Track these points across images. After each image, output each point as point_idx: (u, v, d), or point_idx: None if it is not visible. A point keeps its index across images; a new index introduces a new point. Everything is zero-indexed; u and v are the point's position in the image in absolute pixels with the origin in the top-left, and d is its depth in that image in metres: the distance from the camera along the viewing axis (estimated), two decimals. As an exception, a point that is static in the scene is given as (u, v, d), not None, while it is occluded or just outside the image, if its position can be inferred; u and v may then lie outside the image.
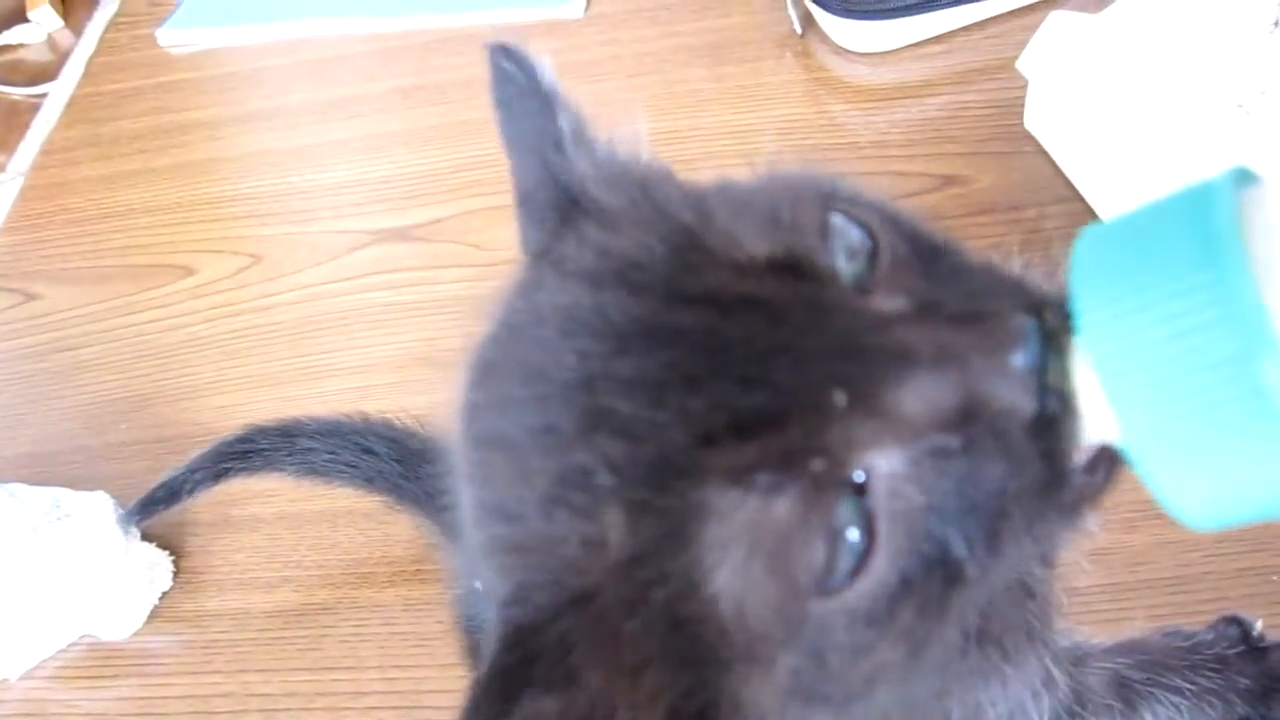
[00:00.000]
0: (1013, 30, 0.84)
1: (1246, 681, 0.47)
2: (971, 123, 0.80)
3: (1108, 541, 0.58)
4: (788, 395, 0.23)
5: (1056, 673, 0.39)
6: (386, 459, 0.60)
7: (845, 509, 0.23)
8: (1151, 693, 0.45)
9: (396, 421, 0.62)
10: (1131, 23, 0.69)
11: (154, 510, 0.63)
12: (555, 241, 0.29)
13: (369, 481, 0.61)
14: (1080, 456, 0.25)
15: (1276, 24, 0.65)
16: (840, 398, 0.23)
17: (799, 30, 0.88)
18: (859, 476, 0.23)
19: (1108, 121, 0.68)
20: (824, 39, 0.87)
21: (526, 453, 0.25)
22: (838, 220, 0.26)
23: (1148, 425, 0.22)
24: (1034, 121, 0.77)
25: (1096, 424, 0.24)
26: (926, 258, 0.26)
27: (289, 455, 0.61)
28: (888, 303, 0.25)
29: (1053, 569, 0.36)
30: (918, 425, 0.23)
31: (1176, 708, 0.45)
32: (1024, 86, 0.77)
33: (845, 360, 0.23)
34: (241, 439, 0.62)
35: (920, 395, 0.23)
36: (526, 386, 0.25)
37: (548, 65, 0.31)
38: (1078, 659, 0.42)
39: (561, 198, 0.29)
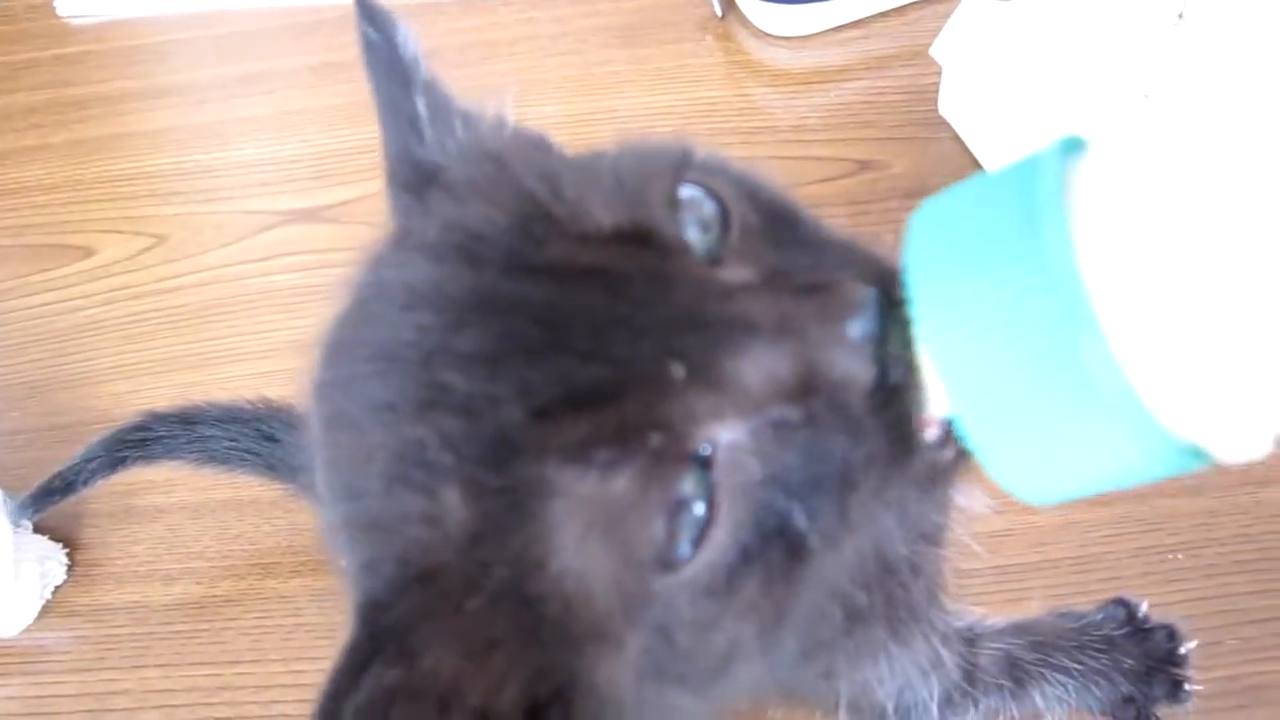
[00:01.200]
0: (928, 16, 0.84)
1: (1131, 662, 0.49)
2: (888, 108, 0.81)
3: (1010, 522, 0.59)
4: (625, 368, 0.22)
5: (944, 653, 0.39)
6: (289, 446, 0.58)
7: (687, 483, 0.23)
8: (1041, 673, 0.46)
9: (299, 408, 0.60)
10: (1042, 11, 0.70)
11: (48, 502, 0.61)
12: (407, 218, 0.28)
13: (271, 469, 0.59)
14: (932, 430, 0.24)
15: (1180, 16, 0.66)
16: (679, 370, 0.22)
17: (719, 13, 0.87)
18: (704, 449, 0.23)
19: (1019, 107, 0.69)
20: (744, 22, 0.87)
21: (369, 430, 0.24)
22: (691, 192, 0.26)
23: (972, 398, 0.21)
24: (948, 107, 0.78)
25: (938, 397, 0.23)
26: (780, 229, 0.26)
27: (188, 442, 0.60)
28: (734, 274, 0.24)
29: (938, 548, 0.37)
30: (757, 397, 0.23)
31: (1064, 687, 0.47)
32: (939, 72, 0.77)
33: (685, 331, 0.23)
34: (139, 426, 0.60)
35: (759, 366, 0.22)
36: (370, 364, 0.25)
37: (410, 34, 0.30)
38: (970, 639, 0.43)
39: (415, 175, 0.29)
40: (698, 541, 0.23)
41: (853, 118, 0.80)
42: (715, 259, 0.25)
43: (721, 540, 0.23)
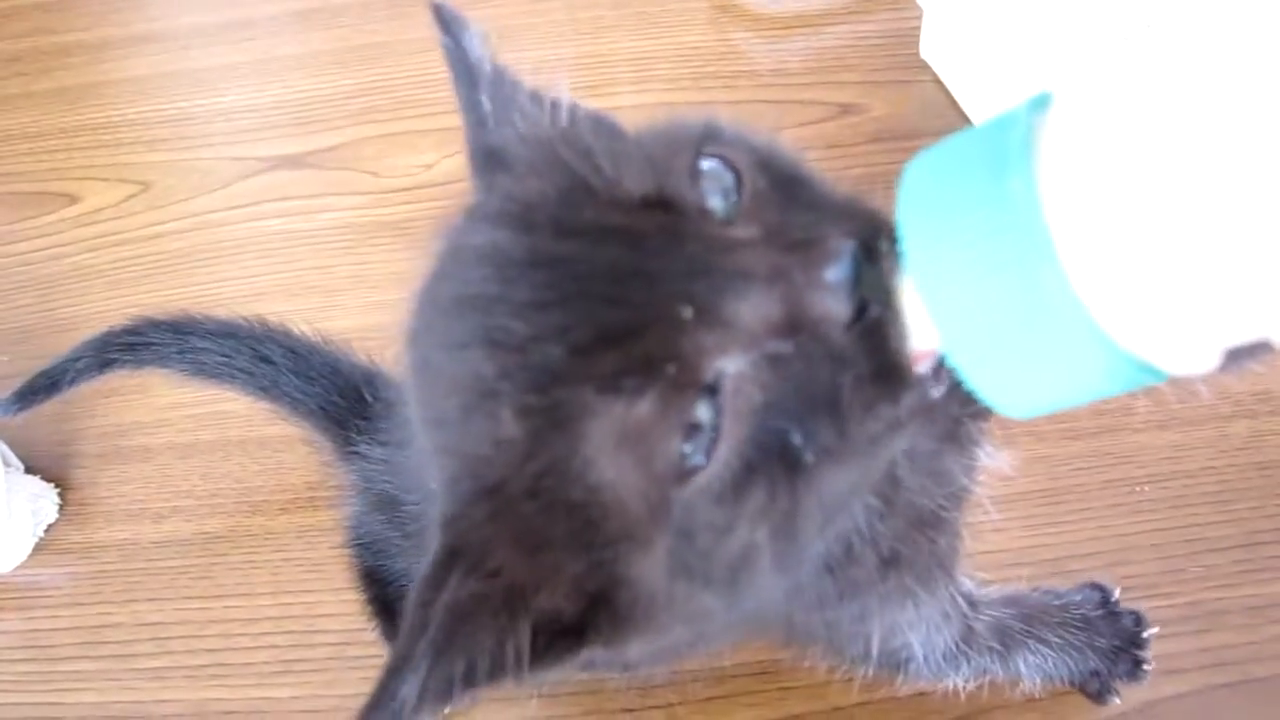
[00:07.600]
0: (912, -41, 0.84)
1: (1103, 640, 0.54)
2: (869, 52, 0.81)
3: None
4: (644, 311, 0.27)
5: (960, 602, 0.45)
6: (284, 369, 0.58)
7: (700, 407, 0.27)
8: (1026, 642, 0.51)
9: (295, 331, 0.60)
10: (1021, -49, 0.69)
11: (33, 401, 0.60)
12: (479, 195, 0.33)
13: (263, 390, 0.59)
14: (924, 364, 0.27)
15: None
16: (688, 312, 0.26)
17: (703, -43, 0.87)
18: (713, 379, 0.27)
19: (1001, 49, 0.69)
20: (727, -34, 0.87)
21: (447, 368, 0.29)
22: (711, 164, 0.30)
23: (955, 324, 0.24)
24: (930, 50, 0.78)
25: (927, 332, 0.26)
26: (788, 192, 0.30)
27: (180, 353, 0.59)
28: (741, 232, 0.28)
29: (961, 509, 0.40)
30: (754, 333, 0.27)
31: (1044, 657, 0.52)
32: (920, 16, 0.77)
33: (695, 280, 0.27)
34: (130, 329, 0.59)
35: (755, 308, 0.26)
36: (447, 314, 0.30)
37: (476, 36, 0.34)
38: (971, 604, 0.47)
39: (485, 161, 0.33)
40: (708, 455, 0.27)
41: (834, 61, 0.81)
42: (730, 221, 0.29)
43: (728, 454, 0.27)
